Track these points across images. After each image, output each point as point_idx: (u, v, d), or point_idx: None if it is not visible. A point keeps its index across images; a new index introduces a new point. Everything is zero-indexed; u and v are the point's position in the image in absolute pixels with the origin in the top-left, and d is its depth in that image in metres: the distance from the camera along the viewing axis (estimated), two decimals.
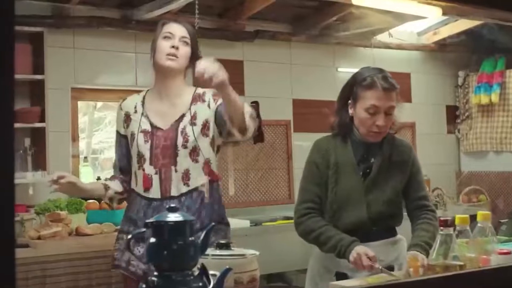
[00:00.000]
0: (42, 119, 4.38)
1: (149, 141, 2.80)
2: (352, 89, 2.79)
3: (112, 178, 2.94)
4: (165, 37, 2.79)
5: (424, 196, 2.89)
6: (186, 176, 2.77)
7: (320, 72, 5.93)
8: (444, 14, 1.90)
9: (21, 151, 4.36)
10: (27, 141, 4.46)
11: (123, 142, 2.90)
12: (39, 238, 3.81)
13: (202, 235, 1.79)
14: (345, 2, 3.80)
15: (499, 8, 1.80)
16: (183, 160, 2.76)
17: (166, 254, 1.67)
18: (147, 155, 2.78)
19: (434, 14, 1.90)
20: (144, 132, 2.81)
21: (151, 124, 2.82)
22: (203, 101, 2.83)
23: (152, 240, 1.69)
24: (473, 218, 5.88)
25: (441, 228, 1.98)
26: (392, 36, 6.18)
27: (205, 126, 2.80)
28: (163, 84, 2.83)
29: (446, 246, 1.99)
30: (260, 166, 5.57)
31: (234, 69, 5.45)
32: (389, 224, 2.84)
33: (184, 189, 2.76)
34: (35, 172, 4.34)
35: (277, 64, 5.71)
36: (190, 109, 2.81)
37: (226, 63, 5.30)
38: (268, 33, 5.54)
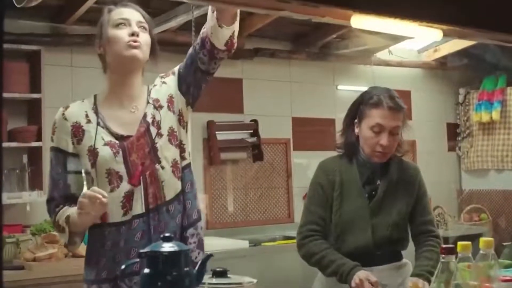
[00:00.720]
0: (39, 138, 4.34)
1: (120, 153, 2.30)
2: (358, 107, 2.78)
3: (62, 206, 2.35)
4: (117, 25, 2.32)
5: (429, 221, 2.85)
6: (176, 169, 2.38)
7: (320, 90, 5.90)
8: (444, 36, 1.87)
9: (17, 171, 4.32)
10: (24, 161, 4.42)
11: (72, 162, 2.32)
12: (34, 260, 3.77)
13: (198, 265, 1.75)
14: (342, 24, 3.78)
15: (501, 31, 1.77)
16: (166, 152, 2.36)
17: (160, 286, 1.63)
18: (122, 170, 2.29)
19: (435, 37, 1.88)
20: (110, 144, 2.30)
21: (115, 135, 2.33)
22: (162, 83, 2.45)
23: (146, 271, 1.65)
24: (474, 237, 5.85)
25: (443, 256, 1.93)
26: (392, 54, 6.15)
27: (171, 101, 2.42)
28: (123, 83, 2.37)
29: (448, 273, 1.93)
30: (259, 185, 5.52)
31: (233, 87, 5.45)
32: (394, 248, 2.79)
33: (179, 185, 2.39)
34: (32, 191, 4.30)
35: (277, 82, 5.68)
36: (148, 98, 2.40)
37: (225, 81, 5.43)
38: (267, 51, 5.52)
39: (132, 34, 2.30)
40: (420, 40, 6.01)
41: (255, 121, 5.42)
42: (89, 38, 4.60)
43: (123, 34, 2.30)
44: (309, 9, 1.61)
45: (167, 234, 1.68)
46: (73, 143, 2.33)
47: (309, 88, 5.84)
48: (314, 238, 2.74)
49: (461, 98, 6.72)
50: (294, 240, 4.83)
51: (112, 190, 2.27)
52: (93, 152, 2.29)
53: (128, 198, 2.29)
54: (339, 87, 6.00)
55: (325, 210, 2.75)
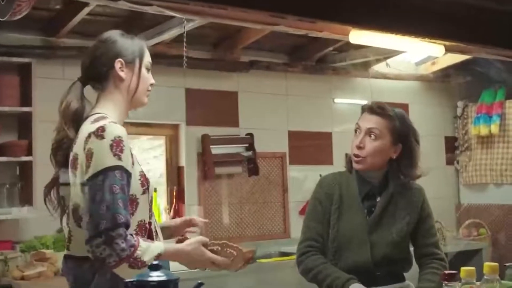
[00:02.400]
0: (29, 152, 4.25)
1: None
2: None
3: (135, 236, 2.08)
4: (147, 68, 2.34)
5: (433, 243, 2.79)
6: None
7: (317, 103, 5.83)
8: (447, 51, 1.83)
9: (7, 186, 4.25)
10: (14, 175, 4.34)
11: (129, 185, 2.12)
12: (22, 278, 3.67)
13: None
14: (340, 39, 3.72)
15: (504, 47, 1.69)
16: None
17: None
18: (148, 207, 2.23)
19: (437, 52, 1.83)
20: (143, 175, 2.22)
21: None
22: None
23: None
24: (473, 253, 5.74)
25: (445, 282, 1.84)
26: (389, 66, 6.11)
27: None
28: (124, 117, 2.32)
29: None
30: (254, 200, 5.44)
31: (229, 100, 5.39)
32: (395, 269, 2.73)
33: None
34: (22, 207, 4.21)
35: (273, 95, 5.62)
36: None
37: (220, 94, 5.35)
38: (263, 63, 5.46)
39: (151, 84, 2.35)
40: (419, 52, 5.95)
41: (251, 134, 5.36)
42: (81, 51, 4.54)
43: (149, 80, 2.33)
44: (306, 24, 1.54)
45: (155, 262, 1.59)
46: (131, 164, 2.14)
47: (306, 101, 5.77)
48: (311, 254, 2.72)
49: (459, 111, 6.64)
50: (291, 257, 4.83)
51: (150, 218, 2.22)
52: (145, 178, 2.20)
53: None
54: (336, 100, 5.94)
55: (323, 225, 2.73)
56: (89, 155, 2.07)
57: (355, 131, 2.74)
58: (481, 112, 6.36)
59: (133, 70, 2.28)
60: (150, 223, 2.20)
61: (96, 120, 2.15)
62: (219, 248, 2.22)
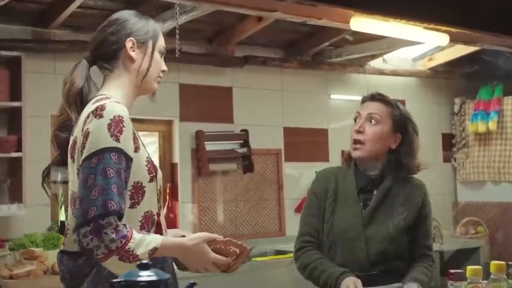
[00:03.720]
0: (19, 148, 4.17)
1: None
2: None
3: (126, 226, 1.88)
4: (161, 52, 2.17)
5: (429, 246, 2.74)
6: None
7: (312, 99, 5.78)
8: (451, 41, 1.76)
9: None
10: (4, 172, 4.26)
11: (129, 170, 1.93)
12: (11, 277, 3.58)
13: None
14: (340, 27, 3.66)
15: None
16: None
17: None
18: (156, 197, 2.06)
19: (441, 41, 1.77)
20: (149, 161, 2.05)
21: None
22: None
23: None
24: (471, 251, 5.67)
25: (451, 282, 1.76)
26: (386, 62, 6.06)
27: None
28: (132, 102, 2.16)
29: None
30: (249, 197, 5.38)
31: (223, 95, 5.32)
32: (393, 266, 2.62)
33: None
34: (11, 204, 4.12)
35: (268, 90, 5.55)
36: None
37: (214, 90, 5.28)
38: (258, 58, 5.38)
39: (163, 70, 2.19)
40: (415, 48, 5.89)
41: (246, 131, 5.30)
42: (73, 44, 4.46)
43: (162, 65, 2.17)
44: (304, 10, 1.45)
45: (145, 261, 1.50)
46: (132, 148, 1.96)
47: (301, 97, 5.72)
48: (307, 249, 2.68)
49: (456, 107, 6.59)
50: (286, 255, 4.76)
51: (159, 210, 2.05)
52: (153, 164, 2.03)
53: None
54: (332, 96, 5.89)
55: (318, 220, 2.69)
56: (86, 136, 1.90)
57: (355, 119, 2.72)
58: (479, 109, 6.30)
59: (145, 52, 2.11)
60: (158, 214, 2.02)
61: (97, 101, 1.98)
62: (222, 247, 1.99)
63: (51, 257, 3.83)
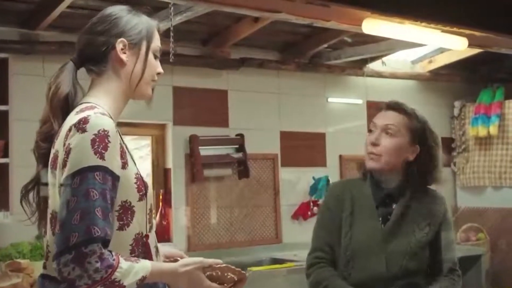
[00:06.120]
0: (5, 154, 4.08)
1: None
2: None
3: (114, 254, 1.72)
4: (155, 53, 2.00)
5: (453, 260, 2.63)
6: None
7: (310, 102, 5.68)
8: (469, 46, 1.67)
9: None
10: None
11: (115, 190, 1.77)
12: None
13: None
14: (339, 29, 3.56)
15: None
16: None
17: None
18: (145, 217, 1.90)
19: (460, 45, 1.67)
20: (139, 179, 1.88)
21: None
22: None
23: None
24: (473, 259, 5.52)
25: None
26: (385, 65, 5.96)
27: None
28: (115, 115, 1.93)
29: None
30: (245, 203, 5.27)
31: (218, 99, 5.24)
32: (413, 282, 2.53)
33: None
34: None
35: (264, 93, 5.45)
36: None
37: (209, 93, 5.15)
38: (255, 61, 5.28)
39: (159, 73, 2.01)
40: (414, 50, 5.80)
41: (241, 135, 5.20)
42: (62, 45, 4.33)
43: (157, 68, 1.99)
44: (312, 11, 1.31)
45: None
46: (120, 165, 1.79)
47: (299, 100, 5.62)
48: (320, 266, 2.60)
49: (456, 111, 6.50)
50: (284, 265, 4.63)
51: (149, 231, 1.89)
52: (142, 182, 1.85)
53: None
54: (330, 99, 5.80)
55: (332, 235, 2.60)
56: (67, 152, 1.73)
57: (370, 130, 2.63)
58: (479, 113, 6.21)
59: (138, 54, 1.93)
60: (147, 237, 1.86)
61: (81, 111, 1.81)
62: (219, 273, 1.83)
63: (38, 268, 3.68)
